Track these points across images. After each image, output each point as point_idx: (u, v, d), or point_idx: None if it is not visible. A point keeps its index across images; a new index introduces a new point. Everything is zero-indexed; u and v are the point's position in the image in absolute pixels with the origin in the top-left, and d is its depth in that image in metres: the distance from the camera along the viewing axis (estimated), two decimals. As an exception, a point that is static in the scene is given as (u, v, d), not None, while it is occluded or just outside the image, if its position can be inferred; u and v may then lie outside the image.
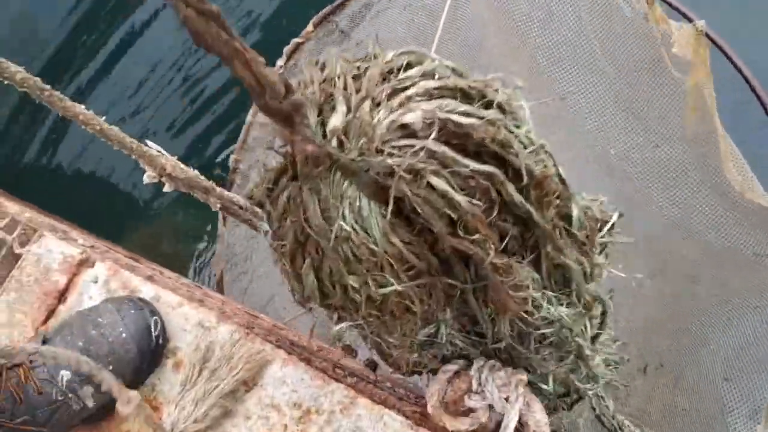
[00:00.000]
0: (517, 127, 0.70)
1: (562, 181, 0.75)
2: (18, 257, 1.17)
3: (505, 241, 0.72)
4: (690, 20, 1.42)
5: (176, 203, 2.74)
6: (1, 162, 2.76)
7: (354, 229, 0.68)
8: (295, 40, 1.74)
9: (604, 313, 0.95)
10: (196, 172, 0.82)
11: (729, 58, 1.46)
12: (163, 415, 0.96)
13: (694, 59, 1.52)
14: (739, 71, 1.40)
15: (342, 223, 0.67)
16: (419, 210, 0.66)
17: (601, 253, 0.92)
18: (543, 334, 0.84)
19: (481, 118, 0.65)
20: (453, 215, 0.67)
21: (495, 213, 0.69)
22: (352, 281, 0.72)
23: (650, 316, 1.69)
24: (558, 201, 0.75)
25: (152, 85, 2.94)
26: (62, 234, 1.19)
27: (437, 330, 0.85)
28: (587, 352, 0.91)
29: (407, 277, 0.72)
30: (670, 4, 1.44)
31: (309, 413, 0.91)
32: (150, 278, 1.10)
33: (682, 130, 1.63)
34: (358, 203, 0.67)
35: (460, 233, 0.68)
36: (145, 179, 0.71)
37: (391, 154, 0.64)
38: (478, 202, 0.67)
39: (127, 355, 0.98)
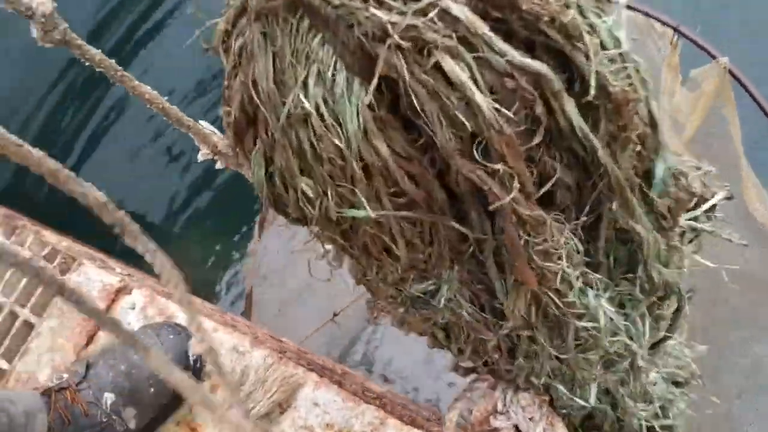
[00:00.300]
0: (598, 16, 0.49)
1: (653, 121, 0.54)
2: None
3: (547, 186, 0.53)
4: (713, 57, 1.47)
5: (192, 227, 2.80)
6: (25, 191, 2.83)
7: (318, 111, 0.49)
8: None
9: (677, 311, 0.73)
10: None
11: (750, 93, 1.51)
12: (204, 429, 1.01)
13: (719, 93, 1.57)
14: (761, 107, 1.44)
15: (300, 95, 0.48)
16: (417, 104, 0.47)
17: (690, 241, 0.71)
18: (585, 327, 0.64)
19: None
20: (469, 126, 0.47)
21: (538, 140, 0.50)
22: (304, 186, 0.53)
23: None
24: (640, 147, 0.55)
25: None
26: (100, 262, 1.25)
27: (437, 290, 0.65)
28: (641, 362, 0.70)
29: (392, 204, 0.53)
30: (694, 42, 1.47)
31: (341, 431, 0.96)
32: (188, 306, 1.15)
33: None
34: (330, 73, 0.47)
35: (477, 157, 0.49)
36: (200, 157, 0.76)
37: (389, 8, 0.45)
38: (509, 114, 0.47)
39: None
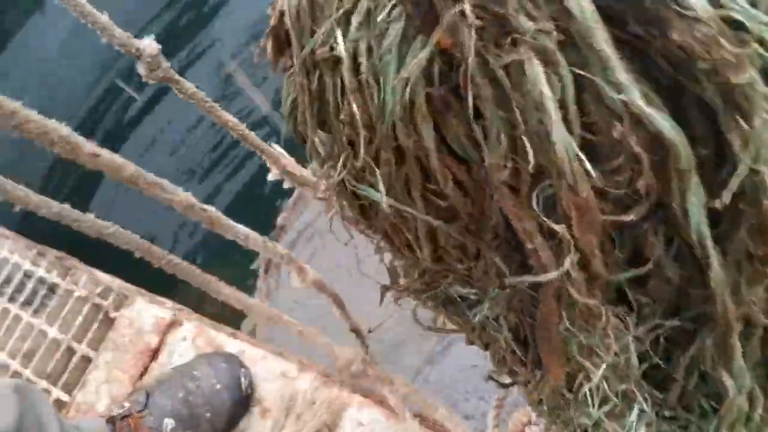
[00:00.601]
0: None
1: None
2: (113, 321, 1.32)
3: (639, 271, 0.38)
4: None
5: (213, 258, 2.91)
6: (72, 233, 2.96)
7: (354, 60, 0.37)
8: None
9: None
10: (309, 172, 0.95)
11: None
12: (256, 457, 1.09)
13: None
14: None
15: (337, 30, 0.37)
16: (479, 104, 0.33)
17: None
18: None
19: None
20: (533, 162, 0.33)
21: (631, 218, 0.35)
22: (316, 141, 0.43)
23: None
24: None
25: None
26: (150, 298, 1.34)
27: (478, 302, 0.51)
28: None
29: (425, 205, 0.40)
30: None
31: (386, 451, 1.04)
32: (233, 335, 1.24)
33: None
34: (384, 17, 0.35)
35: (533, 203, 0.35)
36: (270, 177, 0.86)
37: None
38: (593, 172, 0.33)
39: (221, 404, 1.11)
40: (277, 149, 0.85)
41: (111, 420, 1.07)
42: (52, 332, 1.34)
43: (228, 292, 1.05)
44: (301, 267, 0.95)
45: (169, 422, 1.09)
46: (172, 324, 1.28)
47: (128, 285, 1.39)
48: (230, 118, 0.74)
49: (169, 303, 1.33)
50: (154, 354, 1.26)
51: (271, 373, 1.16)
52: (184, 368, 1.16)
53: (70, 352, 1.31)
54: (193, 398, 1.11)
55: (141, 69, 0.59)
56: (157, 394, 1.13)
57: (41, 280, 1.44)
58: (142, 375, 1.25)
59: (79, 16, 0.52)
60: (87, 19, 0.52)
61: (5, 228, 1.59)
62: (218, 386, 1.12)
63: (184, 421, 1.09)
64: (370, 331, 2.06)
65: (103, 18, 0.53)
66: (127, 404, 1.13)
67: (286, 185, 0.91)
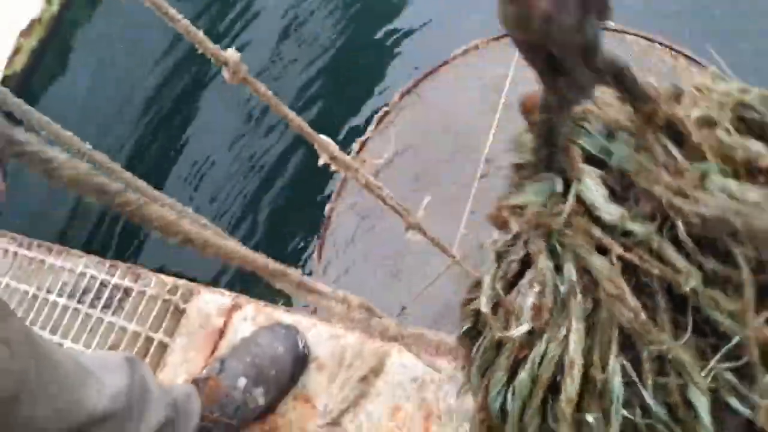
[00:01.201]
0: None
1: None
2: (183, 312, 1.55)
3: None
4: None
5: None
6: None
7: None
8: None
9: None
10: (350, 157, 1.16)
11: None
12: (315, 399, 1.30)
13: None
14: None
15: None
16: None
17: None
18: None
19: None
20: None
21: None
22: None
23: None
24: None
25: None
26: (212, 290, 1.56)
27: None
28: None
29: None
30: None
31: (424, 383, 1.24)
32: (287, 311, 1.46)
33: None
34: None
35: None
36: (320, 162, 1.07)
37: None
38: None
39: (284, 363, 1.32)
40: (324, 138, 1.07)
41: (195, 381, 1.29)
42: (131, 327, 1.57)
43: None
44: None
45: (242, 380, 1.30)
46: (234, 307, 1.50)
47: (191, 283, 1.62)
48: (292, 115, 0.96)
49: (227, 292, 1.55)
50: (221, 334, 1.48)
51: (322, 336, 1.37)
52: (250, 338, 1.38)
53: (149, 341, 1.54)
54: (260, 360, 1.32)
55: (225, 74, 0.82)
56: (229, 360, 1.34)
57: (116, 287, 1.67)
58: (212, 353, 1.47)
59: (182, 32, 0.74)
60: (188, 35, 0.74)
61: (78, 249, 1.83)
62: (280, 349, 1.33)
63: (254, 378, 1.31)
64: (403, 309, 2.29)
65: (200, 34, 0.75)
66: (205, 371, 1.35)
67: (333, 168, 1.13)
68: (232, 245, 0.95)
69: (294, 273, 1.16)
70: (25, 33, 4.88)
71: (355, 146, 2.51)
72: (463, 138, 2.35)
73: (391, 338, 1.34)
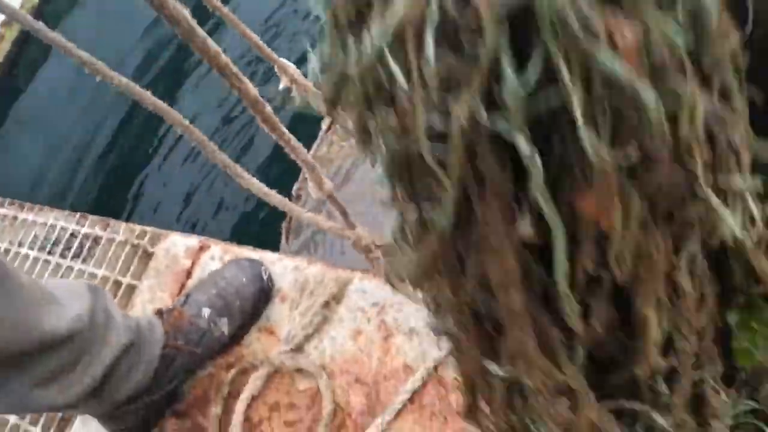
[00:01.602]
0: None
1: None
2: (151, 255, 1.56)
3: None
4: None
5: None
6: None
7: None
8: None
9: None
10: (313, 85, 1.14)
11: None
12: (280, 330, 1.32)
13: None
14: None
15: None
16: None
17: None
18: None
19: None
20: None
21: None
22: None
23: None
24: None
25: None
26: (180, 233, 1.58)
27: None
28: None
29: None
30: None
31: (384, 307, 1.26)
32: (253, 250, 1.48)
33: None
34: None
35: None
36: (280, 86, 1.09)
37: None
38: None
39: (248, 294, 1.34)
40: (285, 61, 1.09)
41: (159, 313, 1.31)
42: (101, 272, 1.58)
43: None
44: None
45: (206, 310, 1.32)
46: (202, 248, 1.52)
47: (160, 230, 1.63)
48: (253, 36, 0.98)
49: (195, 236, 1.57)
50: (189, 274, 1.50)
51: (286, 269, 1.39)
52: (216, 272, 1.40)
53: (117, 284, 1.55)
54: (225, 292, 1.34)
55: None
56: (195, 292, 1.36)
57: (86, 236, 1.68)
58: (179, 292, 1.49)
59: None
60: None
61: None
62: (244, 280, 1.35)
63: (218, 309, 1.32)
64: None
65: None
66: (171, 305, 1.36)
67: (293, 93, 1.14)
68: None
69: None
70: (6, 23, 4.91)
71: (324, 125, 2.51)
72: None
73: (365, 248, 1.35)
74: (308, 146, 2.54)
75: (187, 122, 0.82)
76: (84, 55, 0.79)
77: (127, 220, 3.21)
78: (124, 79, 0.81)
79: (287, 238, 2.35)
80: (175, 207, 3.39)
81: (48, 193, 3.63)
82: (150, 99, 0.82)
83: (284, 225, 2.52)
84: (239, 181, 0.89)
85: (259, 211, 3.13)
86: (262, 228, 3.13)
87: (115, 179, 3.67)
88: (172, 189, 3.50)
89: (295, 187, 2.46)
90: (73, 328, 1.09)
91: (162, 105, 0.81)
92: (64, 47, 0.79)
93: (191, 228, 3.23)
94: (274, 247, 2.50)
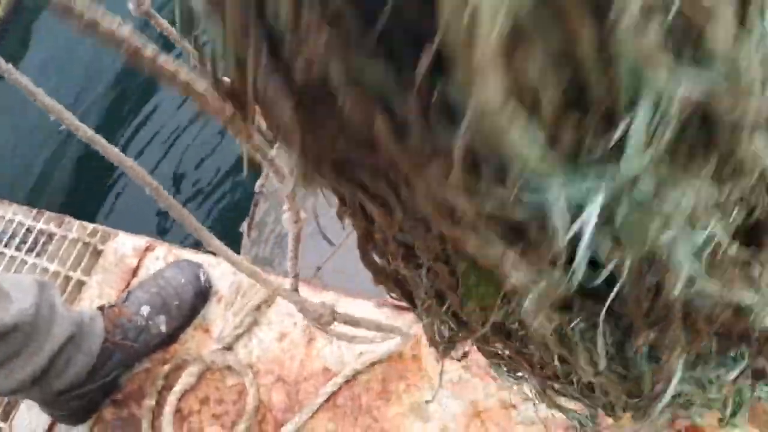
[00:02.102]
0: None
1: None
2: (100, 252, 1.65)
3: None
4: None
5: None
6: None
7: None
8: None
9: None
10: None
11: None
12: (214, 329, 1.41)
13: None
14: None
15: None
16: None
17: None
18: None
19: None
20: None
21: None
22: None
23: None
24: None
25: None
26: (129, 233, 1.67)
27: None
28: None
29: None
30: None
31: (310, 312, 1.36)
32: (196, 252, 1.57)
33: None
34: None
35: None
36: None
37: None
38: None
39: (186, 294, 1.43)
40: None
41: (101, 308, 1.40)
42: (53, 267, 1.67)
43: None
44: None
45: (145, 308, 1.41)
46: (148, 248, 1.61)
47: (110, 228, 1.72)
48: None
49: (143, 236, 1.66)
50: (135, 273, 1.59)
51: (225, 273, 1.49)
52: (157, 273, 1.49)
53: (67, 279, 1.64)
54: (164, 291, 1.44)
55: (130, 5, 0.89)
56: (136, 291, 1.45)
57: (41, 231, 1.77)
58: (125, 289, 1.57)
59: None
60: None
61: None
62: (183, 281, 1.44)
63: (157, 307, 1.42)
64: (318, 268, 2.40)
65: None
66: (114, 301, 1.46)
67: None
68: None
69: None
70: (-13, 7, 4.92)
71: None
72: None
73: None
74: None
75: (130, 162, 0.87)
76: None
77: (106, 218, 3.29)
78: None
79: (249, 235, 2.45)
80: (153, 206, 3.46)
81: (27, 188, 3.66)
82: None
83: (246, 223, 2.62)
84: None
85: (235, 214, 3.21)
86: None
87: (94, 177, 3.70)
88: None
89: (258, 184, 2.55)
90: (18, 320, 1.18)
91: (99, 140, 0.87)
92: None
93: (169, 225, 3.30)
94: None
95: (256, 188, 2.63)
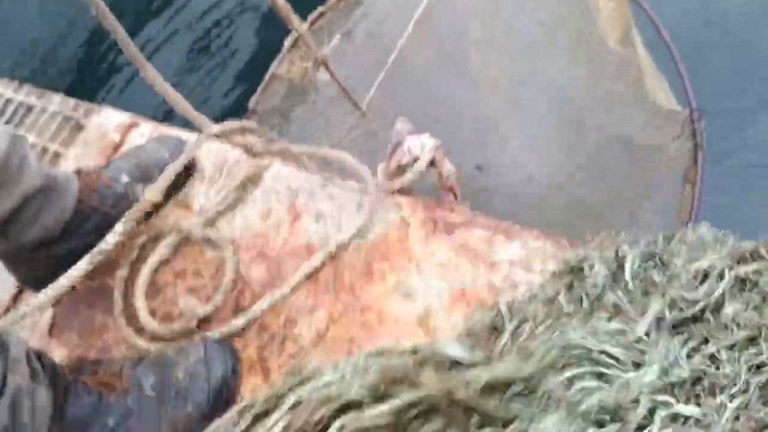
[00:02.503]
0: None
1: None
2: (82, 127, 1.58)
3: None
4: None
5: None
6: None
7: None
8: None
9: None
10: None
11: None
12: (196, 205, 1.36)
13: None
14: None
15: None
16: None
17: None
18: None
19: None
20: None
21: None
22: None
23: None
24: None
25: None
26: (113, 108, 1.60)
27: None
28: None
29: None
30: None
31: (298, 190, 1.31)
32: (182, 129, 1.51)
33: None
34: None
35: None
36: None
37: None
38: None
39: (167, 166, 1.37)
40: None
41: (77, 172, 1.33)
42: (30, 138, 1.60)
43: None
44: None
45: (124, 177, 1.35)
46: (132, 125, 1.54)
47: (96, 105, 1.65)
48: None
49: (127, 113, 1.59)
50: (116, 148, 1.52)
51: (211, 151, 1.42)
52: (139, 145, 1.43)
53: (44, 151, 1.57)
54: (145, 163, 1.37)
55: None
56: (116, 160, 1.39)
57: (21, 104, 1.69)
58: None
59: None
60: None
61: None
62: (166, 154, 1.38)
63: (137, 177, 1.36)
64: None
65: None
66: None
67: None
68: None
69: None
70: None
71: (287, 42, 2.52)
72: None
73: (257, 154, 1.39)
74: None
75: None
76: None
77: (103, 100, 3.17)
78: None
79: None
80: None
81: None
82: None
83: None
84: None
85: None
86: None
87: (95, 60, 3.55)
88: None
89: (252, 101, 2.48)
90: None
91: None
92: None
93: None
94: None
95: (250, 105, 2.56)
